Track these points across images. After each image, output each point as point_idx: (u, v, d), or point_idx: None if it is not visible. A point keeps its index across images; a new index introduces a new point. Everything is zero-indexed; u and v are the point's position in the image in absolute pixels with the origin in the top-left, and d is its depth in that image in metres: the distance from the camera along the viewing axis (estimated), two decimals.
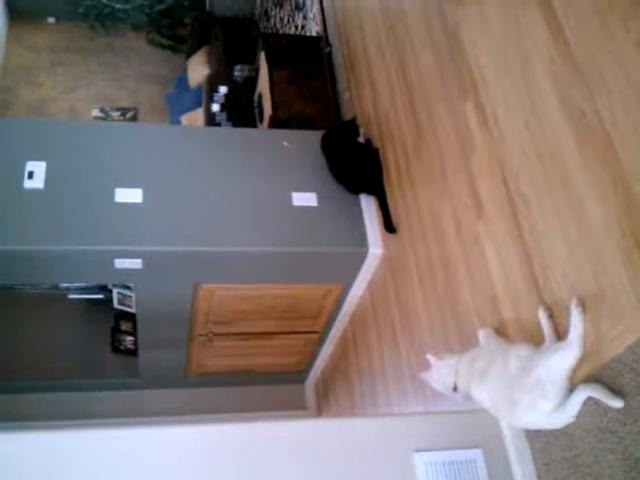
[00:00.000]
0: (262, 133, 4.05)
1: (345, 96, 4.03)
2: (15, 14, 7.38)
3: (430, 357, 2.07)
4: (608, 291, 1.69)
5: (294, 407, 4.80)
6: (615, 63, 1.66)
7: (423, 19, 2.88)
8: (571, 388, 1.73)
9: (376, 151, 3.44)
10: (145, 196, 3.25)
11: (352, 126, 3.53)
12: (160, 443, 2.00)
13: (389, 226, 3.25)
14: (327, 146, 3.51)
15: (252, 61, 5.65)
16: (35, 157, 3.24)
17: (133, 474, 1.93)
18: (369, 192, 3.46)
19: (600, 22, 1.72)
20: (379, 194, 3.36)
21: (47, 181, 3.19)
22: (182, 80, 6.72)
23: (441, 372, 2.04)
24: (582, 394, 1.71)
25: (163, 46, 7.41)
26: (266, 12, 6.31)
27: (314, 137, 3.60)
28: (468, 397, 1.96)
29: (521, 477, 2.06)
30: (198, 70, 6.35)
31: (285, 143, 3.54)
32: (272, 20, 6.08)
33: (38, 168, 3.20)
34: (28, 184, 3.16)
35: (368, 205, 3.47)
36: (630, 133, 1.61)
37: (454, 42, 2.56)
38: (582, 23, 1.79)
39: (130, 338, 4.47)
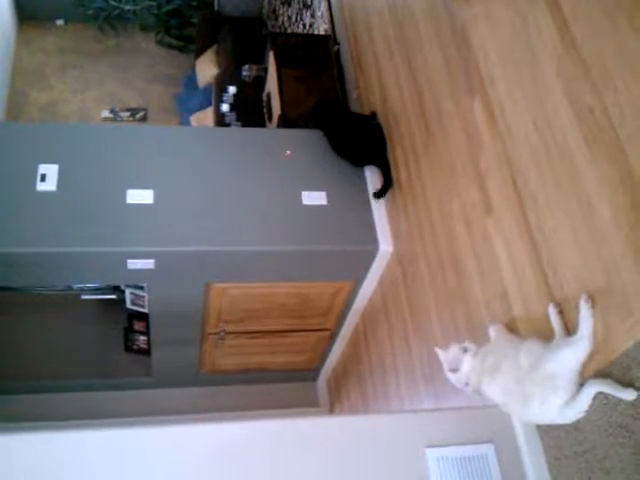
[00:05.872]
0: (271, 132, 4.06)
1: (354, 95, 4.04)
2: (24, 17, 7.43)
3: (438, 350, 2.11)
4: (617, 286, 1.70)
5: (306, 404, 4.81)
6: (622, 60, 1.67)
7: (431, 17, 2.88)
8: (581, 383, 1.74)
9: (378, 125, 3.50)
10: (156, 197, 3.28)
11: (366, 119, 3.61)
12: (172, 442, 2.01)
13: (381, 194, 3.41)
14: (323, 119, 3.57)
15: (261, 60, 5.66)
16: (47, 160, 3.28)
17: (146, 473, 1.95)
18: (374, 163, 3.51)
19: (607, 20, 1.73)
20: (383, 165, 3.42)
21: (59, 183, 3.22)
22: (190, 79, 6.75)
23: (455, 355, 2.05)
24: (592, 389, 1.72)
25: (172, 46, 7.44)
26: (274, 11, 6.32)
27: (323, 136, 3.62)
28: (479, 392, 1.97)
29: (532, 472, 2.07)
30: (207, 70, 6.38)
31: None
32: (280, 19, 6.09)
33: (50, 171, 3.24)
34: (41, 187, 3.19)
35: (378, 203, 3.48)
36: (638, 129, 1.62)
37: (462, 40, 2.57)
38: (589, 21, 1.80)
39: (143, 338, 4.50)
